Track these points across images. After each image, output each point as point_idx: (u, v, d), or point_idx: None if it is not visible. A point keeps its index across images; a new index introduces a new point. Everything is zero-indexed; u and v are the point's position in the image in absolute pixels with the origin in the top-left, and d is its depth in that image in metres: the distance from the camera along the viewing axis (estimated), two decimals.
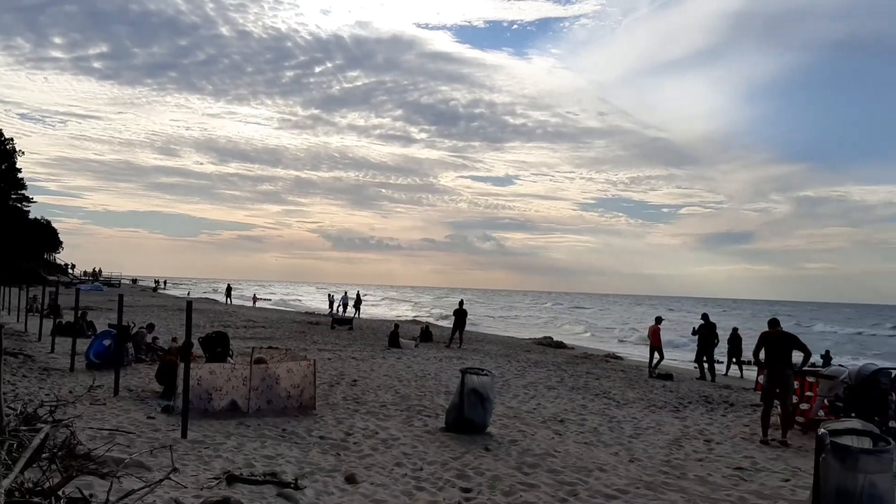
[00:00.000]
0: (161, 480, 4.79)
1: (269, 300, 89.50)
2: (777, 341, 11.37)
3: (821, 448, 5.67)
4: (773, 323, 11.79)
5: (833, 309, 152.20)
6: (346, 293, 54.40)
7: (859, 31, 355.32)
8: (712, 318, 22.60)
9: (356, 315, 47.31)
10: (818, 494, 5.70)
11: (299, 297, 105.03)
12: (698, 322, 22.37)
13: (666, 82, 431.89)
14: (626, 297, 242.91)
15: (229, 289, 71.41)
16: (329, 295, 61.67)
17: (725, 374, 23.26)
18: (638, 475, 8.53)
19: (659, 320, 22.61)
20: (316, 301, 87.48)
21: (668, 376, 20.05)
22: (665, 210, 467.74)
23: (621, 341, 43.60)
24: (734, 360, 24.39)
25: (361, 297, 52.35)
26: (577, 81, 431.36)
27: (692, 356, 26.71)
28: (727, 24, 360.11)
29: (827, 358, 24.46)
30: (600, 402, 14.66)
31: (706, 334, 21.28)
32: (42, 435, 4.59)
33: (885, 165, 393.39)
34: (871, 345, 51.71)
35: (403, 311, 72.25)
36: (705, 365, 21.17)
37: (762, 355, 11.78)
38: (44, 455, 4.94)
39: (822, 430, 5.80)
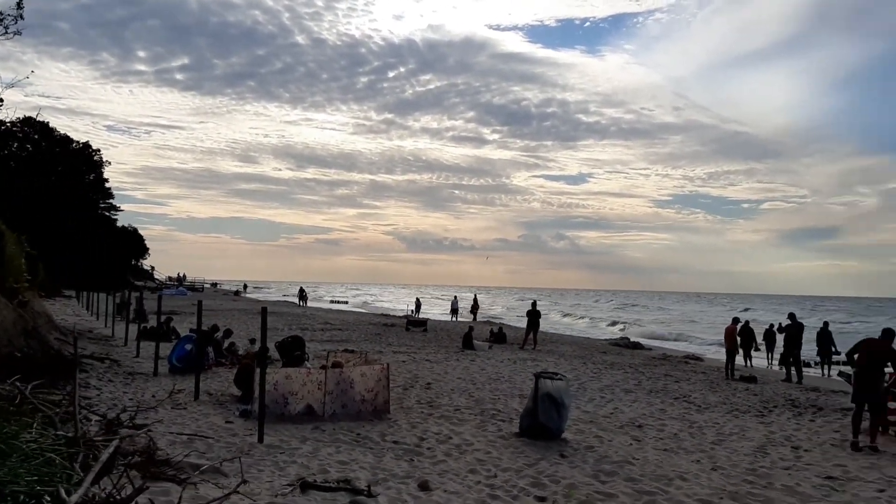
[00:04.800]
0: (229, 494, 4.80)
1: (346, 302, 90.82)
2: (877, 353, 10.87)
3: None
4: (886, 333, 11.19)
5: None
6: (455, 297, 53.25)
7: None
8: (799, 318, 21.75)
9: (473, 319, 45.82)
10: None
11: (374, 299, 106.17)
12: (784, 321, 21.64)
13: (745, 75, 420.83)
14: (705, 295, 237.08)
15: (302, 291, 72.28)
16: (416, 299, 61.00)
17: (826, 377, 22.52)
18: (721, 484, 8.21)
19: (736, 321, 21.88)
20: (392, 303, 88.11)
21: (751, 379, 19.38)
22: (745, 205, 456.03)
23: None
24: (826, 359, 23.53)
25: (479, 303, 50.43)
26: (652, 77, 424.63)
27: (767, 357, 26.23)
28: (808, 12, 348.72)
29: None
30: (680, 407, 14.23)
31: (794, 334, 20.49)
32: (111, 449, 4.66)
33: None
34: None
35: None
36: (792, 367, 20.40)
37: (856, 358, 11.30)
38: (121, 464, 5.02)
39: None
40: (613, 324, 59.49)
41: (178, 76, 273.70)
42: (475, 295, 52.85)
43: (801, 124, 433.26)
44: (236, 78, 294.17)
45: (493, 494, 7.40)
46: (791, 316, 21.37)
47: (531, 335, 27.63)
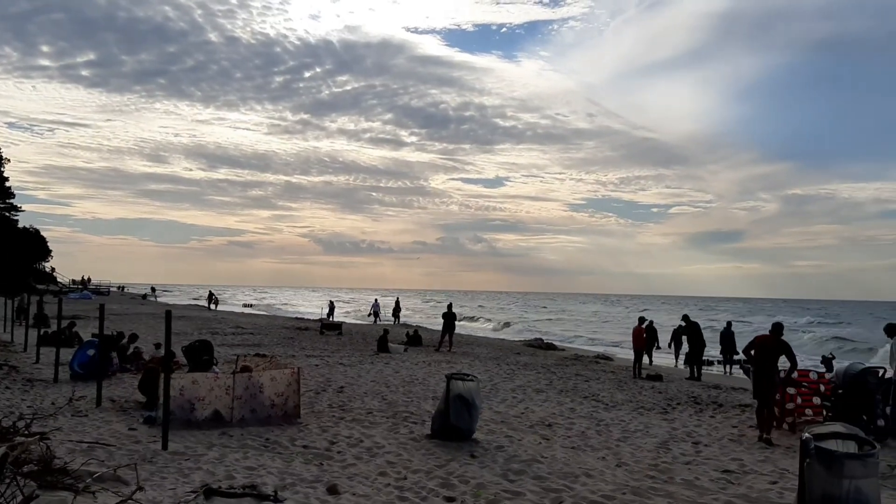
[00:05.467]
0: (124, 501, 4.66)
1: (258, 305, 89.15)
2: (769, 347, 11.43)
3: (805, 453, 5.60)
4: (773, 328, 11.76)
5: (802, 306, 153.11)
6: (376, 300, 52.35)
7: (843, 31, 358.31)
8: (697, 318, 22.78)
9: (395, 322, 45.72)
10: (804, 500, 5.62)
11: (288, 302, 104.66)
12: (678, 324, 22.69)
13: (654, 83, 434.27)
14: (617, 296, 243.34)
15: (212, 295, 70.49)
16: (330, 302, 59.46)
17: (728, 374, 23.62)
18: (625, 480, 8.45)
19: (642, 321, 22.54)
20: (308, 307, 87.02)
21: (657, 377, 20.00)
22: (655, 210, 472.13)
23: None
24: (729, 357, 24.65)
25: (401, 305, 49.84)
26: (567, 83, 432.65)
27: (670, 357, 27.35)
28: (713, 24, 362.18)
29: (828, 362, 24.69)
30: (589, 405, 14.58)
31: (695, 334, 21.46)
32: None
33: (873, 163, 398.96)
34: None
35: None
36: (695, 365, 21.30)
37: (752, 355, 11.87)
38: (12, 472, 4.81)
39: (807, 434, 5.72)
40: (507, 325, 60.32)
41: (84, 72, 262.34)
42: (397, 298, 52.48)
43: (707, 132, 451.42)
44: (145, 75, 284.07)
45: (402, 496, 7.41)
46: (685, 318, 22.47)
47: (447, 337, 27.77)
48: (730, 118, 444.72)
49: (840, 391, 11.78)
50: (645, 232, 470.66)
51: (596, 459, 9.61)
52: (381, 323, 44.56)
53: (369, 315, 50.27)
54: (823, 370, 14.15)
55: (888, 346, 12.51)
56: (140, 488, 5.34)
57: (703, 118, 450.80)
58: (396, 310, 48.42)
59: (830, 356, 23.64)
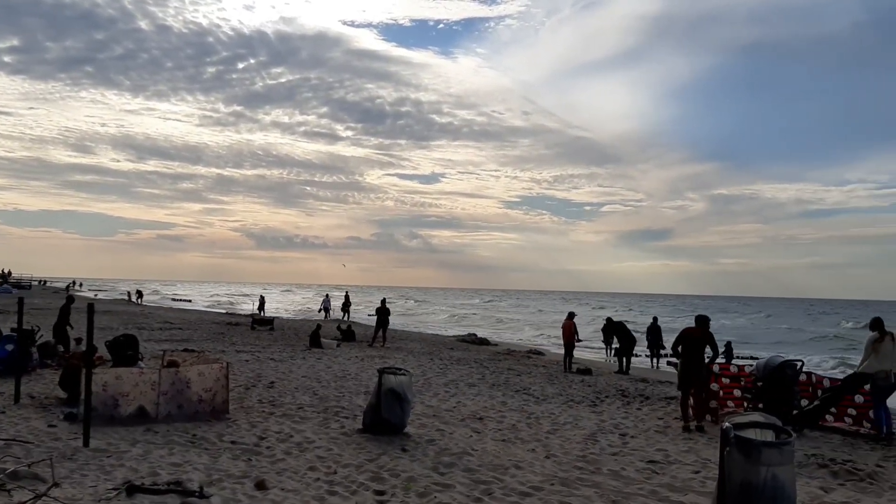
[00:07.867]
0: (40, 496, 4.50)
1: (190, 301, 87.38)
2: (696, 339, 11.86)
3: (725, 441, 5.76)
4: (699, 320, 12.11)
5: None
6: (327, 296, 51.28)
7: (770, 35, 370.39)
8: (624, 315, 23.53)
9: (344, 318, 43.94)
10: (723, 487, 5.79)
11: (222, 298, 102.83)
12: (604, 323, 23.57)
13: (588, 83, 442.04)
14: (549, 293, 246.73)
15: (139, 293, 69.03)
16: (261, 297, 57.43)
17: (655, 368, 24.34)
18: (553, 471, 8.57)
19: (571, 315, 22.92)
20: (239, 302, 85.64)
21: (587, 371, 20.36)
22: (587, 208, 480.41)
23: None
24: (655, 351, 25.41)
25: (350, 300, 48.16)
26: (502, 81, 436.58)
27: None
28: (646, 26, 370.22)
29: (728, 351, 25.77)
30: (520, 399, 14.74)
31: (623, 331, 22.28)
32: None
33: (795, 164, 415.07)
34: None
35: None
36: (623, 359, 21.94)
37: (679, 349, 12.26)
38: None
39: (727, 423, 5.89)
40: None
41: (6, 58, 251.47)
42: (346, 293, 51.83)
43: (638, 132, 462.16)
44: (71, 63, 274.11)
45: (331, 491, 7.35)
46: (608, 320, 23.36)
47: (380, 332, 27.71)
48: (660, 119, 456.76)
49: (759, 383, 12.20)
50: (577, 230, 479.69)
51: (526, 451, 9.72)
52: (332, 319, 43.94)
53: (320, 311, 49.42)
54: (744, 364, 14.64)
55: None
56: (56, 484, 5.17)
57: (635, 118, 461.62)
58: (346, 305, 47.73)
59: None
